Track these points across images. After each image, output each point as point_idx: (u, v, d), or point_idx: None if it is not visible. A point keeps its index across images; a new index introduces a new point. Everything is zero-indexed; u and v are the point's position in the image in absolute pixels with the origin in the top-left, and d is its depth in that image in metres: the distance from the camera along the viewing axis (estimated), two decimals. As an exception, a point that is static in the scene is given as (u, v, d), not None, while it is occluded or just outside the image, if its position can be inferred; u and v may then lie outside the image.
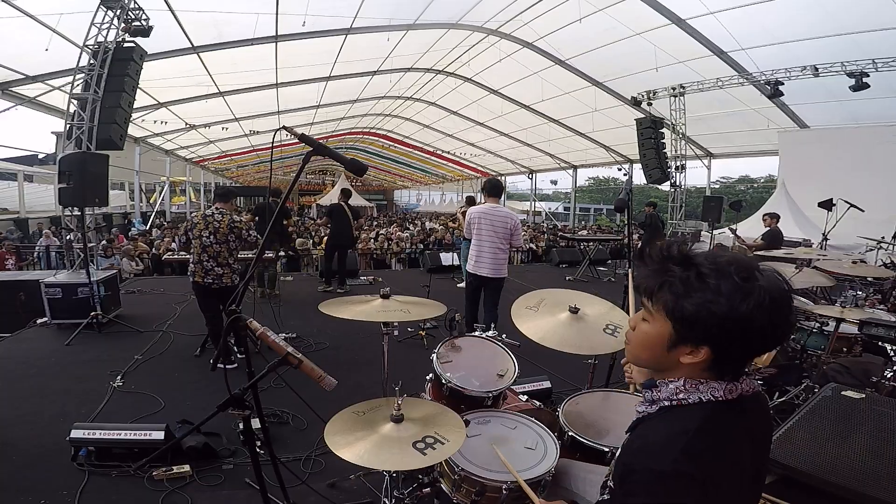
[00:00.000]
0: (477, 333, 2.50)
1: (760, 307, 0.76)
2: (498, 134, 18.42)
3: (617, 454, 0.95)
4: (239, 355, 4.10)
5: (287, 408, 3.29)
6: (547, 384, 3.45)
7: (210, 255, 4.03)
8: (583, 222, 24.11)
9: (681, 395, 0.85)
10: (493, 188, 4.48)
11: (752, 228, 8.57)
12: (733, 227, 8.60)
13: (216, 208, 4.18)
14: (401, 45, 10.96)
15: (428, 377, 2.26)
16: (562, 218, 25.79)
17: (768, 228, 7.11)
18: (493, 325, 2.64)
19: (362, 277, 8.32)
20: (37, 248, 9.93)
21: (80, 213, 5.48)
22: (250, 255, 5.18)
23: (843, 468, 1.61)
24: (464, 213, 4.96)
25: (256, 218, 7.17)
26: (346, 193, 7.40)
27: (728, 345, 0.80)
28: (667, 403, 0.87)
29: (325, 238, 8.17)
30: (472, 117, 17.44)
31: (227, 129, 14.73)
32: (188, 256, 4.61)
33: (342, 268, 7.29)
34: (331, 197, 23.52)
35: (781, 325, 0.80)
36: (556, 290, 2.37)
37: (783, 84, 9.25)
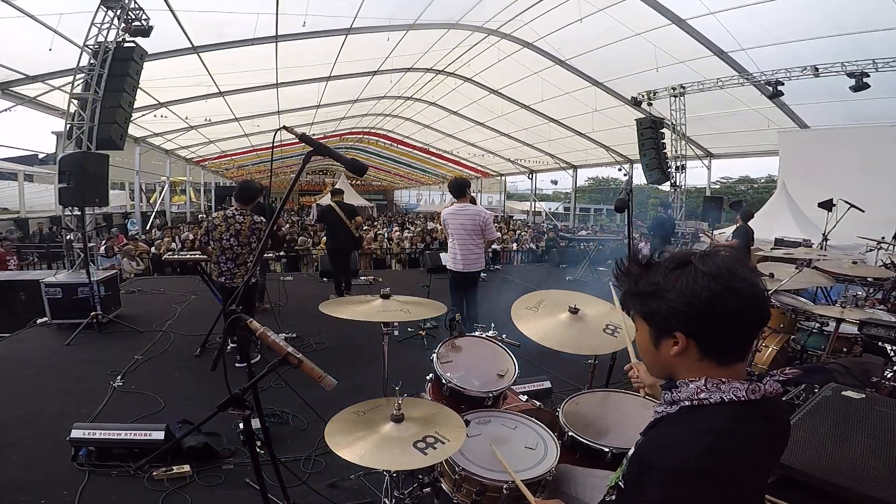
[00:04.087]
0: (477, 333, 2.50)
1: (702, 277, 0.82)
2: (498, 134, 18.40)
3: (630, 453, 0.94)
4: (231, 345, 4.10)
5: (287, 408, 3.29)
6: (547, 384, 3.45)
7: (229, 257, 4.01)
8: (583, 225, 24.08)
9: (702, 395, 0.84)
10: (456, 189, 4.59)
11: (752, 228, 8.55)
12: (703, 226, 8.57)
13: (236, 209, 4.06)
14: (401, 45, 10.94)
15: (428, 377, 2.26)
16: (562, 218, 25.78)
17: (738, 225, 7.10)
18: (492, 325, 2.63)
19: (362, 277, 8.31)
20: None
21: (80, 213, 5.49)
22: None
23: (843, 468, 1.61)
24: None
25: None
26: (335, 193, 6.93)
27: (696, 324, 0.84)
28: (687, 403, 0.86)
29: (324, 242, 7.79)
30: (472, 117, 17.42)
31: (226, 127, 14.71)
32: (201, 256, 4.61)
33: (344, 276, 6.80)
34: (326, 199, 23.38)
35: (729, 293, 0.81)
36: (556, 290, 2.37)
37: (783, 84, 9.24)
